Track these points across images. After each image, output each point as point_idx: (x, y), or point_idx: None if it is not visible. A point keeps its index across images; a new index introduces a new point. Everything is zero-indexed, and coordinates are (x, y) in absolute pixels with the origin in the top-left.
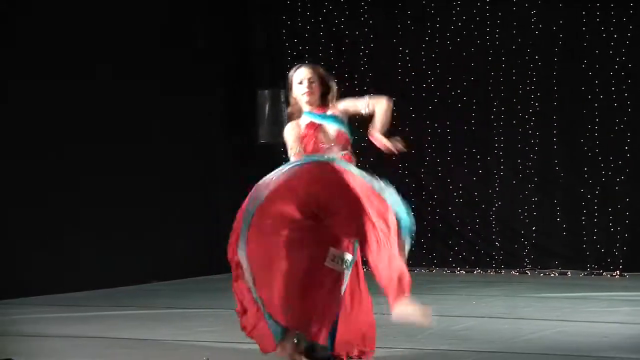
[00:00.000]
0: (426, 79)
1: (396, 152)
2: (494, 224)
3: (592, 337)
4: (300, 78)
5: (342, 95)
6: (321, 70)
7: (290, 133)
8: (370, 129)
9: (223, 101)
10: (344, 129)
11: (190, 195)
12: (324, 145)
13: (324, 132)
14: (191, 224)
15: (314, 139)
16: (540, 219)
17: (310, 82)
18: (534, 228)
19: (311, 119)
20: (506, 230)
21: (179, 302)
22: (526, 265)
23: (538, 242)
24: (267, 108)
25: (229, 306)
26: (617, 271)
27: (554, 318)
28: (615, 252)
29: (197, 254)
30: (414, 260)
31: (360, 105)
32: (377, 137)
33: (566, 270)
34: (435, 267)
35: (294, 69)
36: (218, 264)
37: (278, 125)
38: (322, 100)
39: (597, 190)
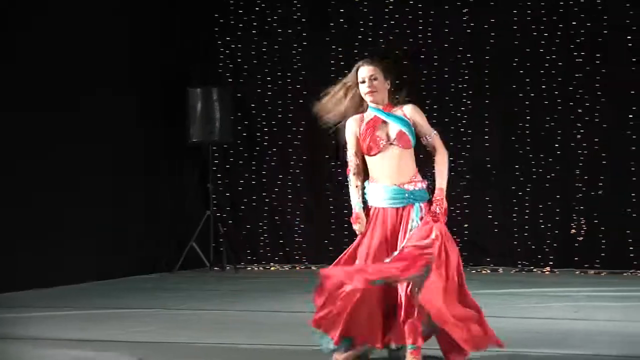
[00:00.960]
0: None
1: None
2: None
3: (523, 332)
4: (363, 76)
5: (283, 96)
6: (385, 65)
7: (348, 130)
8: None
9: (157, 99)
10: (407, 131)
11: (125, 195)
12: (382, 142)
13: (385, 130)
14: (127, 224)
15: (371, 136)
16: (472, 216)
17: (371, 79)
18: (465, 225)
19: (376, 113)
20: None
21: (114, 302)
22: None
23: (470, 239)
24: (199, 107)
25: (164, 305)
26: (548, 267)
27: (486, 314)
28: (545, 248)
29: (133, 253)
30: None
31: (425, 130)
32: (438, 200)
33: (497, 267)
34: None
35: (356, 65)
36: (147, 264)
37: (210, 124)
38: (390, 98)
39: (528, 187)
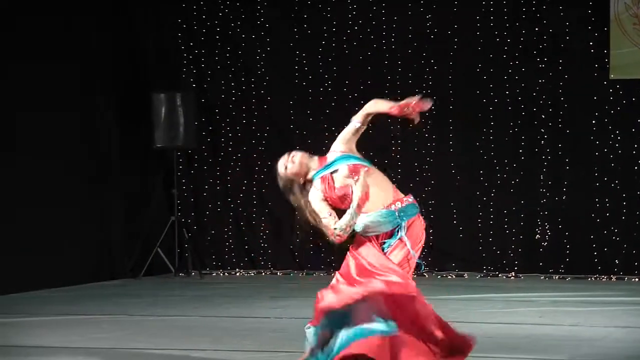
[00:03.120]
0: (323, 81)
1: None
2: None
3: (488, 337)
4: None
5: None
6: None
7: (315, 200)
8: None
9: (121, 104)
10: (352, 160)
11: (83, 200)
12: (349, 187)
13: (338, 176)
14: (83, 229)
15: (337, 190)
16: (437, 221)
17: (292, 157)
18: (431, 230)
19: (320, 175)
20: None
21: (72, 309)
22: (424, 267)
23: (435, 244)
24: (163, 112)
25: (123, 312)
26: (513, 272)
27: (451, 320)
28: (510, 253)
29: (90, 260)
30: (312, 264)
31: (351, 126)
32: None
33: (463, 272)
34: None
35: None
36: (110, 270)
37: (174, 129)
38: (312, 164)
39: (493, 192)
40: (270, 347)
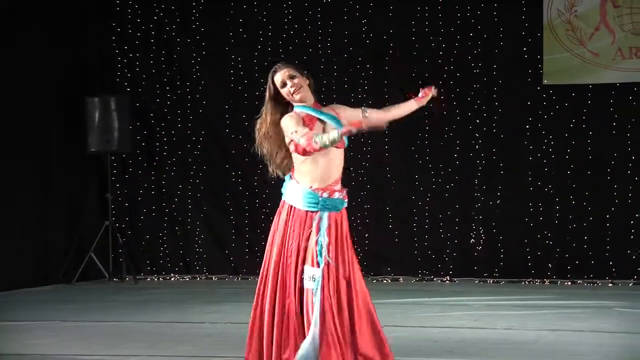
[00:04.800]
0: (259, 85)
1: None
2: None
3: (424, 341)
4: (282, 79)
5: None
6: (295, 64)
7: (290, 120)
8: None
9: (54, 108)
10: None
11: (22, 205)
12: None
13: (320, 129)
14: (16, 234)
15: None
16: (372, 225)
17: (291, 78)
18: (366, 235)
19: (309, 112)
20: None
21: (6, 315)
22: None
23: (370, 248)
24: (97, 116)
25: (58, 318)
26: (448, 277)
27: (386, 324)
28: (445, 257)
29: (22, 265)
30: (247, 269)
31: (357, 113)
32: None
33: (398, 277)
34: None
35: (269, 76)
36: (43, 275)
37: (108, 133)
38: (315, 97)
39: (428, 197)
40: (206, 353)
